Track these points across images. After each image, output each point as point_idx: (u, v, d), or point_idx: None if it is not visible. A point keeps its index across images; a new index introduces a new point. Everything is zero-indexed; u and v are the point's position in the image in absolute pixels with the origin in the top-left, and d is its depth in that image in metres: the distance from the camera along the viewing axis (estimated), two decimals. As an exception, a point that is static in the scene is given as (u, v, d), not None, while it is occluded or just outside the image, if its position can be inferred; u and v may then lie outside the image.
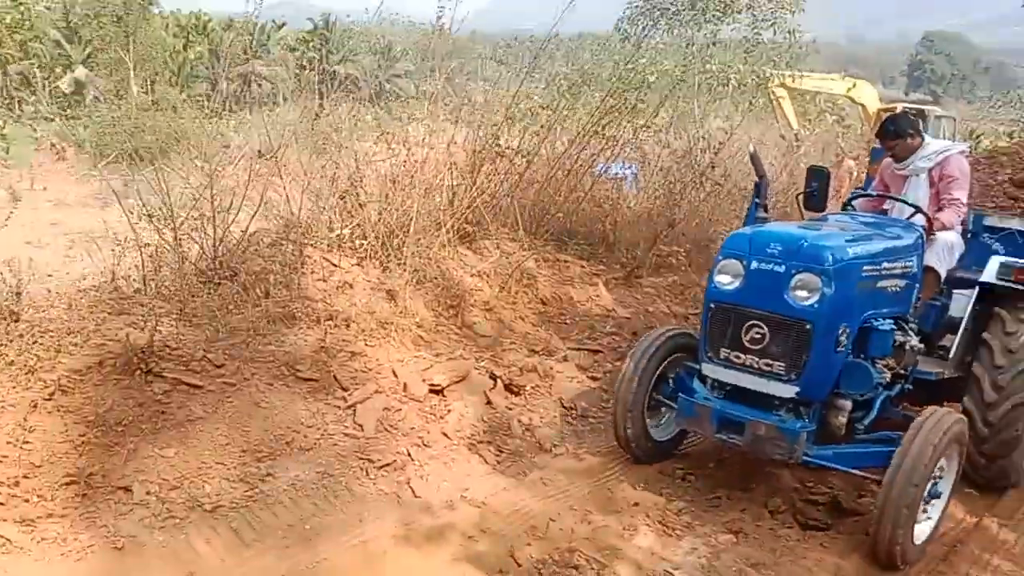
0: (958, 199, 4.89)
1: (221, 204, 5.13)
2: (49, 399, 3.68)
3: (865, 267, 3.96)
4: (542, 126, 7.46)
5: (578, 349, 5.90)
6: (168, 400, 3.96)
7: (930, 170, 4.96)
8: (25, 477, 3.37)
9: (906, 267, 4.33)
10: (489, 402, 4.90)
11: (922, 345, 4.48)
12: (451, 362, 5.13)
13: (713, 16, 16.68)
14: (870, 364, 3.98)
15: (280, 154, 6.09)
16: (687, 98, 13.22)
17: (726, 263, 3.98)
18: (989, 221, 6.27)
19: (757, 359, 3.86)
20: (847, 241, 3.99)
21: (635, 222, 8.42)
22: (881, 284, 4.12)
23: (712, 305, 4.02)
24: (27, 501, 3.30)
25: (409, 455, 4.27)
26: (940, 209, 4.87)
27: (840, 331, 3.82)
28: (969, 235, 5.31)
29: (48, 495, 3.35)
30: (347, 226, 5.56)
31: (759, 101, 18.26)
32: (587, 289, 6.97)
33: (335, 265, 5.50)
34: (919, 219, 4.69)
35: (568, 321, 6.45)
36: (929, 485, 3.74)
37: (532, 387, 5.17)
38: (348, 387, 4.55)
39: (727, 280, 3.96)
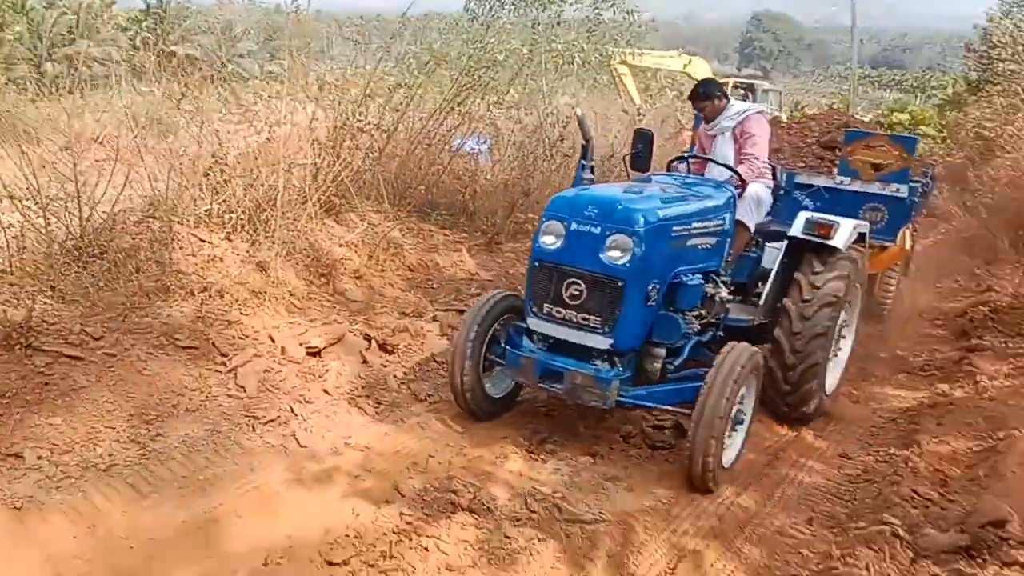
0: (753, 154, 5.29)
1: (86, 183, 5.15)
2: (-71, 376, 3.71)
3: (675, 228, 4.26)
4: (401, 103, 7.74)
5: (446, 310, 6.27)
6: (51, 372, 4.06)
7: (733, 128, 5.39)
8: (-87, 451, 3.42)
9: (717, 225, 4.66)
10: (365, 361, 5.21)
11: (732, 296, 4.96)
12: (326, 326, 5.40)
13: (557, -5, 17.36)
14: (680, 316, 4.34)
15: (136, 135, 6.13)
16: (535, 76, 13.76)
17: (549, 224, 4.21)
18: (800, 179, 6.98)
19: (576, 314, 4.12)
20: (660, 204, 4.24)
21: (493, 192, 8.86)
22: (692, 242, 4.43)
23: (536, 263, 4.26)
24: (-82, 473, 3.36)
25: (292, 411, 4.53)
26: (741, 163, 5.27)
27: (650, 287, 4.13)
28: (782, 191, 5.77)
29: (-61, 465, 3.42)
30: (214, 202, 5.69)
31: (603, 78, 19.11)
32: (451, 255, 7.36)
33: (203, 240, 5.63)
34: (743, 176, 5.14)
35: (435, 285, 6.82)
36: (733, 413, 4.10)
37: (404, 346, 5.51)
38: (227, 352, 4.76)
39: (551, 240, 4.18)
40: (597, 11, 17.94)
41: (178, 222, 5.56)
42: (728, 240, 4.85)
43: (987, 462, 4.20)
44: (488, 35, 12.66)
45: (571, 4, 17.37)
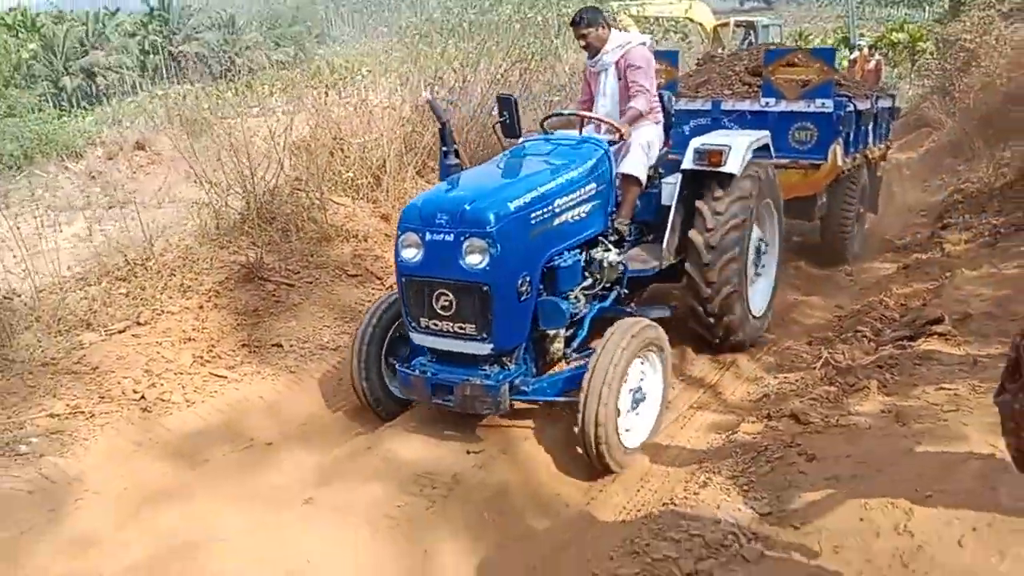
0: (643, 85, 4.94)
1: (251, 166, 6.95)
2: (209, 301, 5.57)
3: (535, 213, 3.98)
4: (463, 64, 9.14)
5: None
6: (277, 295, 5.89)
7: (616, 63, 5.01)
8: (214, 345, 5.27)
9: (591, 189, 4.42)
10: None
11: (634, 242, 4.88)
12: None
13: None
14: (561, 299, 4.15)
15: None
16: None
17: (406, 236, 3.95)
18: (726, 105, 7.03)
19: (451, 324, 3.90)
20: (514, 193, 3.96)
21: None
22: (560, 220, 4.18)
23: (403, 279, 4.01)
24: (222, 357, 5.21)
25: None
26: (630, 98, 4.95)
27: (519, 282, 3.89)
28: (672, 118, 5.34)
29: (233, 353, 5.27)
30: (344, 173, 7.48)
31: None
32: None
33: (339, 204, 7.43)
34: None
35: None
36: (629, 394, 4.00)
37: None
38: (381, 276, 6.57)
39: (411, 254, 3.93)
40: (601, -30, 19.30)
41: (322, 192, 7.36)
42: (610, 198, 4.68)
43: (933, 292, 5.93)
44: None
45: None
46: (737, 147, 5.02)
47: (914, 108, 18.10)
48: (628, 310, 4.76)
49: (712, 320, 5.06)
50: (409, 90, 8.65)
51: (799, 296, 6.88)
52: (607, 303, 4.67)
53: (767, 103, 6.85)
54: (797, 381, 4.84)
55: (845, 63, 17.26)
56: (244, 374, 5.09)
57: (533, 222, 3.98)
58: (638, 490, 3.85)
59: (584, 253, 4.51)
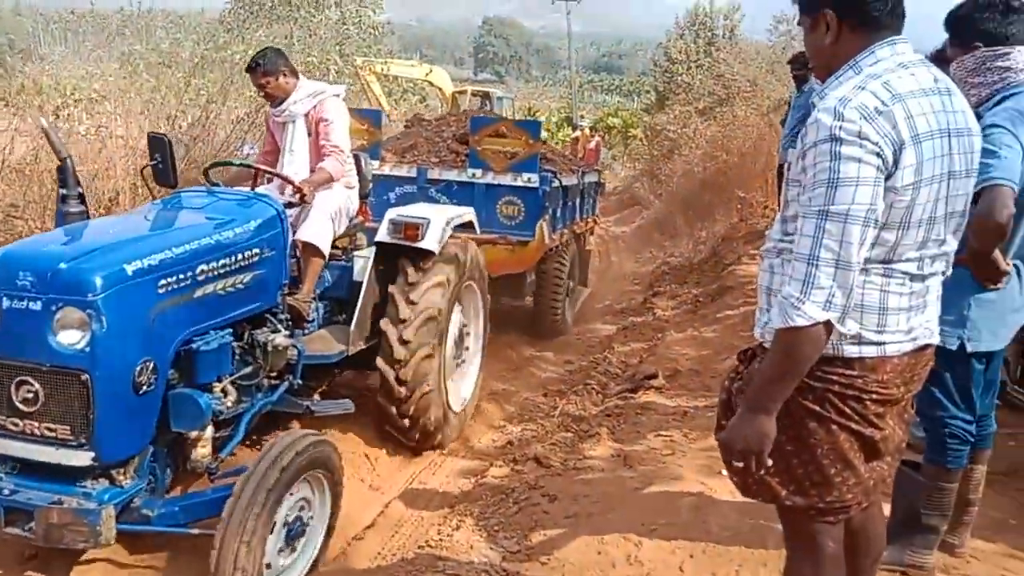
0: (337, 145, 4.41)
1: None
2: None
3: (165, 280, 3.10)
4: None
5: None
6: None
7: (306, 115, 4.46)
8: None
9: (253, 255, 3.59)
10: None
11: (289, 340, 3.77)
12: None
13: (307, 12, 18.85)
14: (201, 392, 3.24)
15: None
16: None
17: None
18: (431, 174, 6.60)
19: (36, 424, 2.89)
20: (134, 252, 3.05)
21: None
22: (204, 291, 3.31)
23: None
24: None
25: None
26: (321, 158, 4.39)
27: (137, 370, 2.95)
28: (370, 184, 4.99)
29: None
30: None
31: (355, 86, 20.74)
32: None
33: None
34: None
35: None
36: (283, 529, 3.10)
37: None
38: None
39: None
40: (346, 27, 19.68)
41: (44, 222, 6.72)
42: (283, 268, 3.86)
43: (649, 351, 6.70)
44: (236, 45, 13.68)
45: (321, 19, 18.95)
46: (437, 221, 4.51)
47: (627, 187, 20.19)
48: (306, 404, 4.03)
49: (407, 423, 4.41)
50: (148, 121, 8.19)
51: (534, 351, 7.39)
52: (275, 396, 3.81)
53: (474, 174, 6.50)
54: (537, 428, 5.22)
55: (567, 140, 18.84)
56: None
57: (161, 291, 3.09)
58: (393, 535, 3.93)
59: (246, 333, 3.67)
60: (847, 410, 1.91)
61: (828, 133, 1.75)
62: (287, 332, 3.89)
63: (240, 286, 3.53)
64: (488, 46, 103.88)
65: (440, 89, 22.76)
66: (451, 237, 4.68)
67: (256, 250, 3.62)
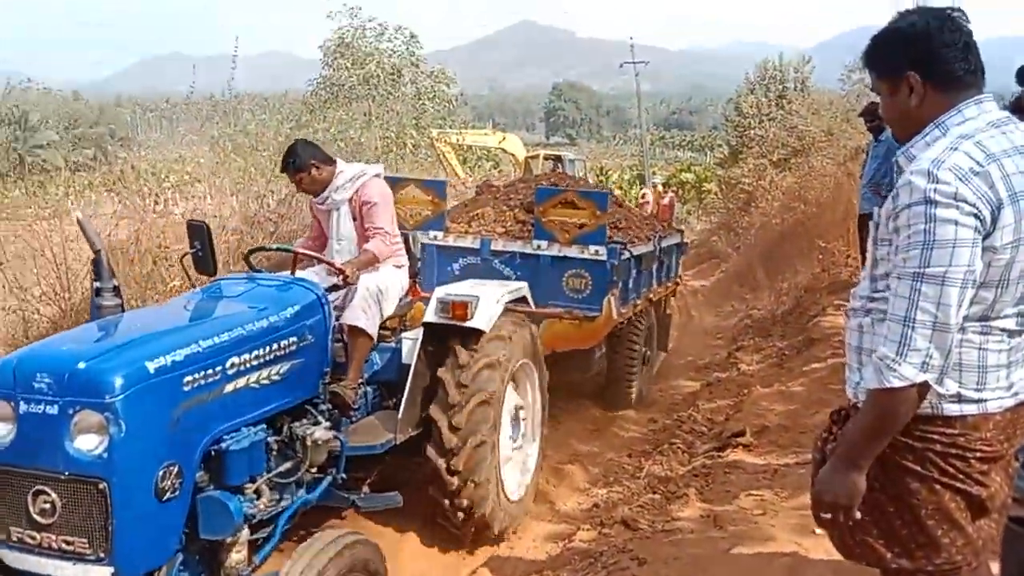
0: (380, 226, 4.33)
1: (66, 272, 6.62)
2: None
3: (189, 378, 2.92)
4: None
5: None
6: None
7: (350, 200, 4.42)
8: None
9: (291, 344, 3.42)
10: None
11: (329, 433, 3.55)
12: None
13: (384, 90, 19.56)
14: (232, 494, 3.06)
15: None
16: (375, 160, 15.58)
17: None
18: (496, 246, 6.31)
19: (54, 537, 2.70)
20: (154, 350, 2.87)
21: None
22: (235, 385, 3.14)
23: None
24: None
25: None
26: (369, 239, 4.33)
27: (160, 476, 2.78)
28: (419, 261, 4.85)
29: None
30: (172, 280, 7.28)
31: (431, 158, 21.34)
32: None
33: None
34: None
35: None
36: None
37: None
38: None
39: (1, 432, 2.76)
40: (421, 102, 20.38)
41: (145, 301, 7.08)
42: (325, 355, 3.70)
43: (735, 407, 6.57)
44: (323, 122, 14.17)
45: (397, 96, 19.64)
46: (487, 298, 4.32)
47: (704, 241, 20.03)
48: (352, 498, 3.86)
49: (461, 516, 4.16)
50: (238, 202, 8.61)
51: (617, 411, 7.32)
52: (316, 492, 3.61)
53: (539, 246, 6.19)
54: (623, 490, 5.16)
55: (638, 198, 18.84)
56: None
57: (187, 388, 2.91)
58: (482, 603, 3.93)
59: (284, 427, 3.48)
60: (950, 469, 1.88)
61: (922, 195, 1.75)
62: (329, 423, 3.70)
63: (276, 377, 3.35)
64: (559, 110, 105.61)
65: (513, 155, 23.19)
66: (506, 313, 4.50)
67: (294, 338, 3.46)
